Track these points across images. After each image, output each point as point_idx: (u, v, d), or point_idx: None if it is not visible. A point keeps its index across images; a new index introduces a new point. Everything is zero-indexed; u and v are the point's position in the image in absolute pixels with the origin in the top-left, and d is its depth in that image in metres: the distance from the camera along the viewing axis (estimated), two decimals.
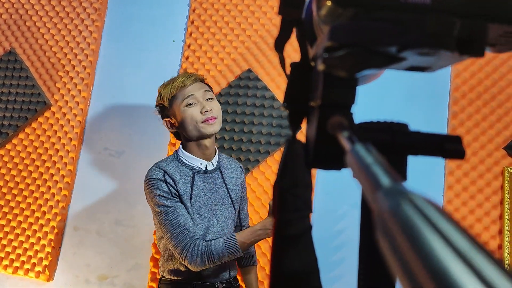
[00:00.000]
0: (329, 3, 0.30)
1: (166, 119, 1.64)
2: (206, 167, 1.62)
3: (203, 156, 1.61)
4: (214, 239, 1.46)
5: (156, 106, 1.67)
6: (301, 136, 0.36)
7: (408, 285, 0.13)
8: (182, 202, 1.52)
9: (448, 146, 0.31)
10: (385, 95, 2.07)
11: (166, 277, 1.58)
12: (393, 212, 0.16)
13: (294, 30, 0.37)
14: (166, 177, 1.52)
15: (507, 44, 0.33)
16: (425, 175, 1.97)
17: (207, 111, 1.54)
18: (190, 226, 1.47)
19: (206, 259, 1.42)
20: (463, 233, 0.14)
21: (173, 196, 1.50)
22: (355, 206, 2.01)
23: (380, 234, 0.16)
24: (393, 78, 2.03)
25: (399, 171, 0.32)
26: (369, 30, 0.28)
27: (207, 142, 1.59)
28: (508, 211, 1.90)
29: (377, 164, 0.21)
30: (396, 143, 0.31)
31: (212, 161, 1.63)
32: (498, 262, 0.12)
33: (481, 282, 0.11)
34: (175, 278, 1.55)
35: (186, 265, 1.46)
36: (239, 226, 1.77)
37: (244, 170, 1.82)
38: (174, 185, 1.51)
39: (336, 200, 2.02)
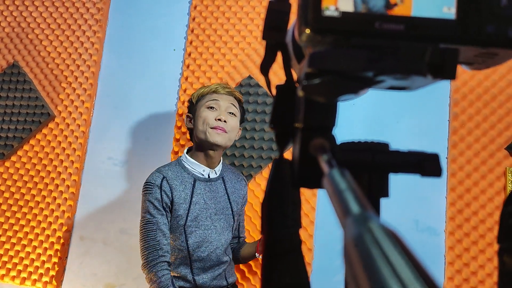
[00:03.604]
0: (308, 31, 0.31)
1: (188, 114, 1.71)
2: (208, 175, 1.64)
3: (206, 163, 1.64)
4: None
5: (187, 101, 1.75)
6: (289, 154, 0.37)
7: None
8: (172, 210, 1.54)
9: (425, 165, 0.32)
10: (385, 99, 2.08)
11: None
12: (354, 241, 0.17)
13: (279, 53, 0.38)
14: (164, 183, 1.55)
15: (484, 63, 0.35)
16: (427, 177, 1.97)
17: (220, 119, 1.58)
18: (164, 244, 1.50)
19: (152, 284, 1.47)
20: (411, 264, 0.15)
21: (162, 207, 1.53)
22: None
23: (345, 261, 0.18)
24: None
25: (381, 188, 0.33)
26: (346, 56, 0.30)
27: (212, 153, 1.62)
28: None
29: (348, 190, 0.22)
30: (376, 162, 0.33)
31: (215, 169, 1.66)
32: None
33: None
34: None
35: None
36: (237, 237, 1.79)
37: (247, 183, 1.84)
38: (170, 193, 1.54)
39: None
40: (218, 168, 1.68)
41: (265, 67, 0.39)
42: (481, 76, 2.05)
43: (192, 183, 1.60)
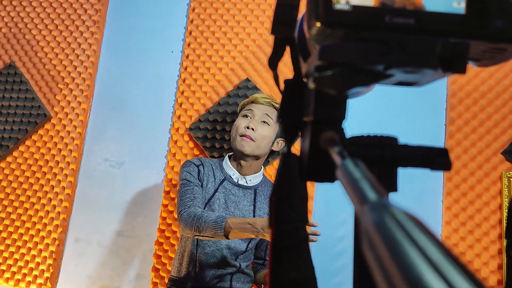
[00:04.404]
0: (318, 24, 0.31)
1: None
2: (238, 180, 1.67)
3: (238, 170, 1.69)
4: (209, 212, 1.46)
5: None
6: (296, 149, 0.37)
7: None
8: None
9: (435, 159, 0.32)
10: (382, 104, 2.08)
11: (171, 274, 1.67)
12: (376, 226, 0.17)
13: (287, 48, 0.39)
14: (201, 166, 1.66)
15: (492, 59, 0.35)
16: (424, 181, 1.98)
17: (248, 127, 1.62)
18: (198, 199, 1.55)
19: (194, 221, 1.42)
20: (438, 246, 0.15)
21: (198, 178, 1.62)
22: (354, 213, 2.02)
23: (366, 246, 0.18)
24: (389, 86, 2.05)
25: (390, 182, 0.33)
26: (357, 49, 0.30)
27: (242, 161, 1.67)
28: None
29: (364, 179, 0.22)
30: (385, 156, 0.33)
31: (246, 177, 1.68)
32: (469, 273, 0.14)
33: None
34: (176, 276, 1.64)
35: (179, 223, 1.50)
36: (262, 258, 1.75)
37: None
38: (201, 174, 1.62)
39: (335, 208, 2.03)
40: (252, 178, 1.69)
41: (273, 62, 0.39)
42: (477, 81, 2.06)
43: (221, 180, 1.66)
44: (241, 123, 1.65)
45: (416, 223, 0.17)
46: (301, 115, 0.36)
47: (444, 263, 0.14)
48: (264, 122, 1.65)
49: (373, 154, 0.32)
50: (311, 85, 0.30)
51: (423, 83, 0.35)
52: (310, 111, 0.33)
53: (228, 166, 1.70)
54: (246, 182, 1.68)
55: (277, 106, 1.71)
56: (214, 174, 1.66)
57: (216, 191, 1.62)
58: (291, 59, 0.38)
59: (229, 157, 1.75)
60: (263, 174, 1.76)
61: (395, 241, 0.16)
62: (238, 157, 1.67)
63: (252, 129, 1.62)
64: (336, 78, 0.30)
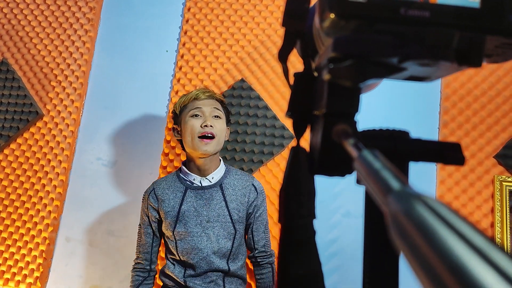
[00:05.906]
0: (332, 16, 0.31)
1: (174, 126, 1.69)
2: (200, 183, 1.63)
3: (198, 172, 1.64)
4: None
5: (171, 112, 1.75)
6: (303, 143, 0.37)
7: (428, 282, 0.14)
8: (165, 218, 1.61)
9: (448, 153, 0.32)
10: (376, 106, 2.09)
11: (161, 277, 1.68)
12: (408, 214, 0.17)
13: (297, 41, 0.38)
14: (152, 194, 1.65)
15: (503, 54, 0.35)
16: (416, 183, 1.99)
17: (206, 125, 1.57)
18: (142, 251, 1.68)
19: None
20: (477, 230, 0.15)
21: (148, 217, 1.66)
22: (347, 215, 2.02)
23: (396, 235, 0.17)
24: (385, 88, 2.06)
25: None
26: (371, 41, 0.30)
27: (202, 160, 1.61)
28: (499, 219, 1.92)
29: (385, 169, 0.22)
30: (398, 150, 0.32)
31: (208, 177, 1.63)
32: None
33: (500, 275, 0.12)
34: (165, 279, 1.66)
35: None
36: (253, 249, 1.69)
37: (260, 191, 1.71)
38: (156, 204, 1.63)
39: (329, 209, 2.03)
40: (214, 175, 1.64)
41: (283, 55, 0.39)
42: (471, 85, 2.08)
43: (183, 192, 1.62)
44: (194, 123, 1.59)
45: (449, 209, 0.16)
46: (311, 108, 0.36)
47: (488, 247, 0.14)
48: (216, 116, 1.62)
49: (385, 147, 0.32)
50: (326, 76, 0.30)
51: (435, 78, 0.34)
52: (322, 104, 0.33)
53: (187, 174, 1.65)
54: (210, 181, 1.63)
55: (219, 97, 1.68)
56: (173, 190, 1.63)
57: (181, 204, 1.59)
58: (300, 54, 0.38)
59: (184, 164, 1.70)
60: (224, 165, 1.71)
61: (431, 228, 0.15)
62: (196, 156, 1.61)
63: (211, 126, 1.58)
64: (352, 70, 0.29)
